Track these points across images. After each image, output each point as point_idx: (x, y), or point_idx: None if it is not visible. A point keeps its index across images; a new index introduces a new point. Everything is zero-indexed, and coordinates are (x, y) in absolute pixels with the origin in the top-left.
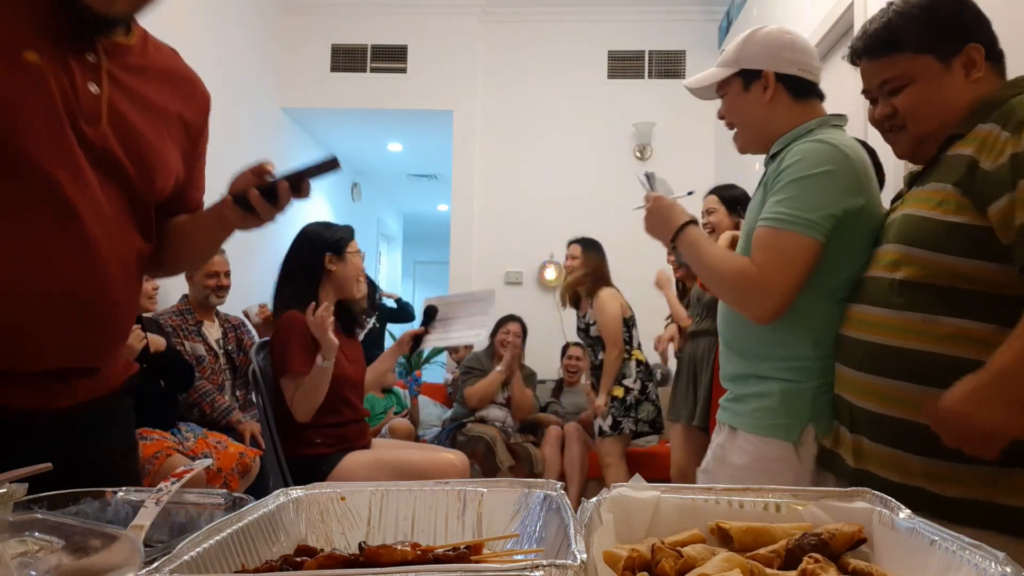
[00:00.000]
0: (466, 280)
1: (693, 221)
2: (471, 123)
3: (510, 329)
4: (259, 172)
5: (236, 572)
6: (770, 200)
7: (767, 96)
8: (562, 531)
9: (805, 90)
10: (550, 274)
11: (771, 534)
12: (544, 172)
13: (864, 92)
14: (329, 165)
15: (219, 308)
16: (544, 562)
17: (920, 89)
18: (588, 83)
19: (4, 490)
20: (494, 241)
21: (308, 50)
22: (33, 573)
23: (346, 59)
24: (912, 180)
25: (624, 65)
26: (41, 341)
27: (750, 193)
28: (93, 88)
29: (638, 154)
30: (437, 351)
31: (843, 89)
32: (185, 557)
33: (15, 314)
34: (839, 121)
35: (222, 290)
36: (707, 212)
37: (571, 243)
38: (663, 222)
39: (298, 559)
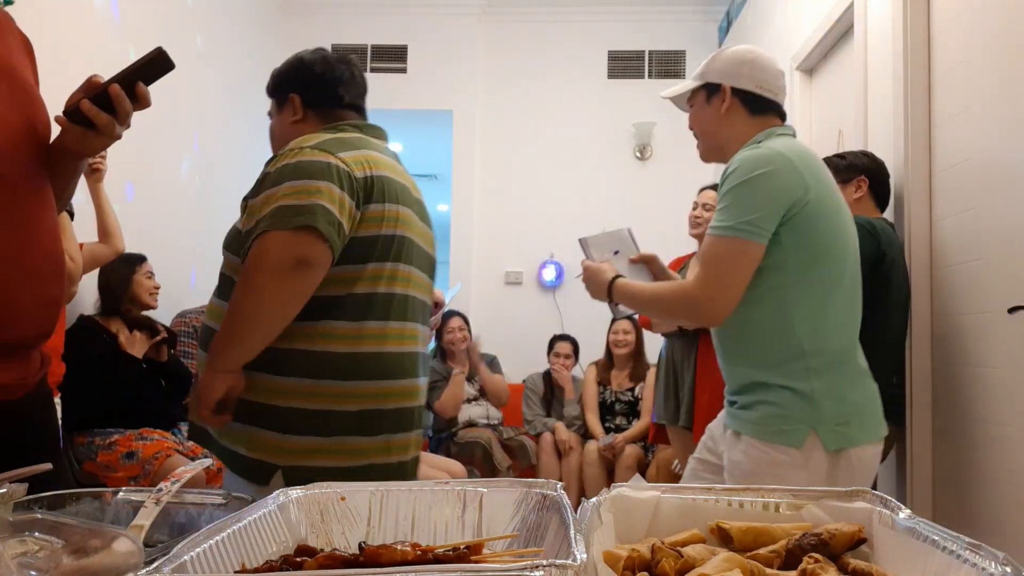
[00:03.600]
0: (466, 280)
1: (619, 276)
2: (471, 123)
3: (453, 326)
4: (88, 86)
5: (236, 572)
6: (718, 208)
7: (723, 108)
8: (562, 531)
9: (761, 106)
10: (550, 274)
11: (771, 534)
12: (544, 172)
13: None
14: (159, 60)
15: None
16: (544, 562)
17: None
18: (588, 83)
19: (4, 490)
20: (494, 241)
21: None
22: (33, 573)
23: None
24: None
25: (624, 65)
26: (22, 307)
27: None
28: None
29: (638, 154)
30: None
31: (843, 89)
32: (185, 557)
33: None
34: (785, 131)
35: None
36: (703, 207)
37: (621, 318)
38: (596, 286)
39: (298, 559)
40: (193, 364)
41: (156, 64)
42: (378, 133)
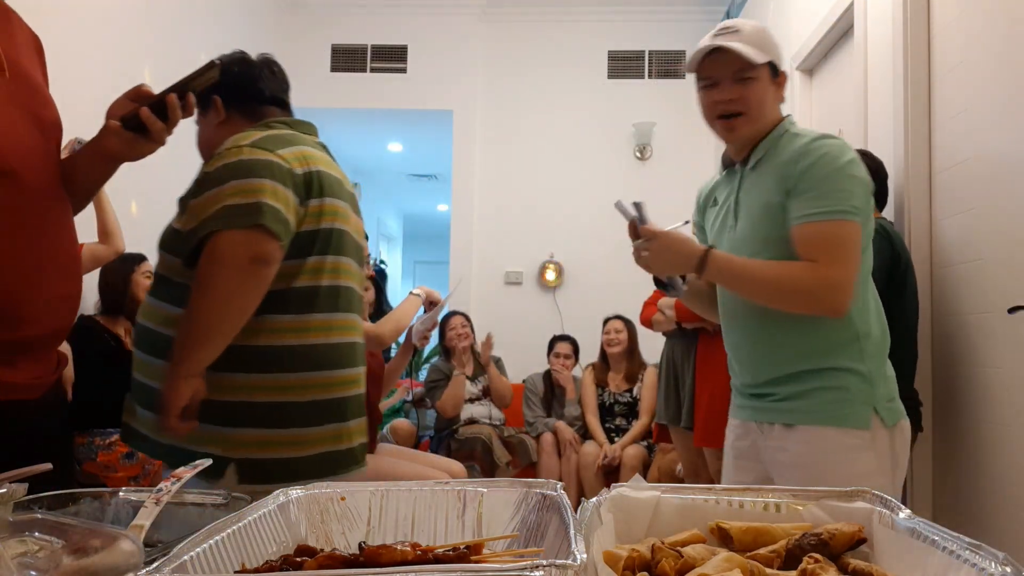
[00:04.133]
0: (466, 280)
1: (711, 246)
2: (471, 123)
3: (454, 324)
4: (136, 95)
5: (236, 572)
6: (804, 197)
7: (780, 94)
8: (562, 531)
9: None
10: (550, 274)
11: (771, 534)
12: (544, 172)
13: None
14: (207, 72)
15: None
16: (544, 562)
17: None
18: (588, 83)
19: (4, 490)
20: (494, 241)
21: (308, 50)
22: (33, 573)
23: (346, 59)
24: None
25: (624, 65)
26: (39, 303)
27: None
28: None
29: (638, 154)
30: (435, 352)
31: (843, 89)
32: (185, 557)
33: (11, 280)
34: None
35: None
36: None
37: (612, 319)
38: (678, 255)
39: (298, 559)
40: None
41: (205, 76)
42: (308, 128)
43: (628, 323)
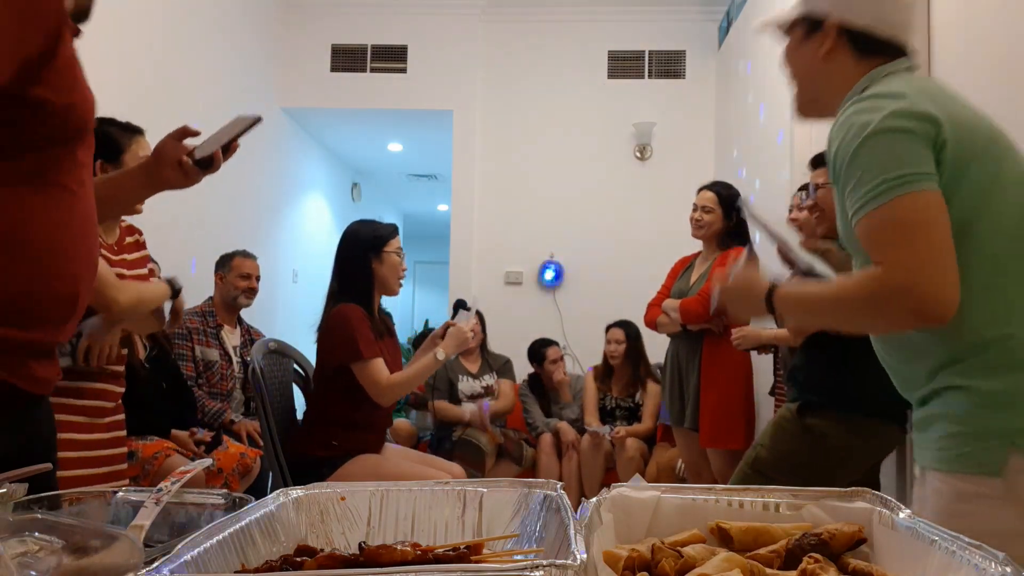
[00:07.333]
0: (466, 280)
1: (774, 285)
2: (471, 123)
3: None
4: (182, 134)
5: (236, 572)
6: (847, 193)
7: (822, 50)
8: (562, 531)
9: (873, 46)
10: (550, 274)
11: (771, 534)
12: (544, 172)
13: None
14: (255, 123)
15: (243, 319)
16: (544, 562)
17: None
18: (588, 83)
19: (4, 490)
20: (494, 241)
21: (308, 50)
22: (33, 573)
23: (346, 59)
24: None
25: (624, 65)
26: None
27: (744, 192)
28: None
29: (638, 154)
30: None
31: None
32: (185, 557)
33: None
34: (897, 67)
35: (252, 292)
36: (703, 209)
37: (613, 327)
38: (748, 304)
39: (298, 559)
40: (189, 367)
41: (254, 127)
42: None
43: (628, 330)
